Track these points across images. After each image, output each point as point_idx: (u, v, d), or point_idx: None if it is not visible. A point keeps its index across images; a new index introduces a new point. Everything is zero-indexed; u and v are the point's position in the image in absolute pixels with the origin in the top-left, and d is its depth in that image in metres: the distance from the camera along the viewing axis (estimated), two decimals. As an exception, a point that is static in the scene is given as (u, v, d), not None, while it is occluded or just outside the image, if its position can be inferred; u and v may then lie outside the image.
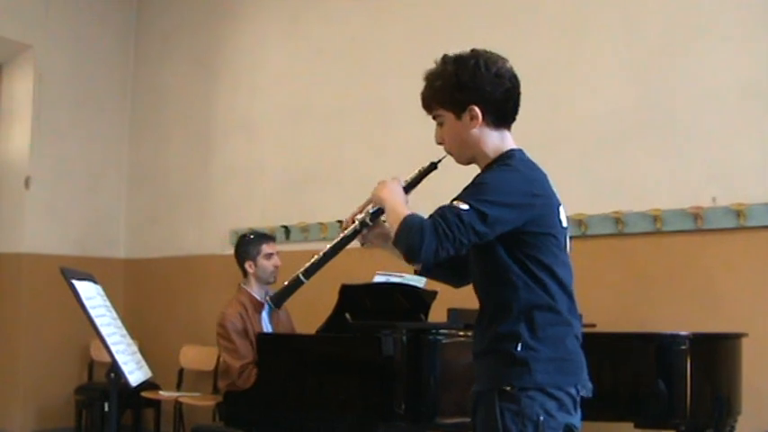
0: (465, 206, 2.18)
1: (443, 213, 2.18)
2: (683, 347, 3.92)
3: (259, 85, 7.09)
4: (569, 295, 2.35)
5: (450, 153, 2.49)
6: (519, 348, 2.24)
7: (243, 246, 4.94)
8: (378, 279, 4.71)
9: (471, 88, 2.37)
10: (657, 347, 4.04)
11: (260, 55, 7.13)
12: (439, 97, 2.43)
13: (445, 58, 2.44)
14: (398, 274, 4.67)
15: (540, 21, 5.46)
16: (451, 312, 4.13)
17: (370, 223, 2.52)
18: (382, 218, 2.51)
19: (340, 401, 3.92)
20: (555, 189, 2.41)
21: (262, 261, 4.81)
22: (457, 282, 2.69)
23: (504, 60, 2.43)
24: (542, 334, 2.26)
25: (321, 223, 6.31)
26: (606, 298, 4.72)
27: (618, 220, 4.97)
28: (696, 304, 4.70)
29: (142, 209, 7.83)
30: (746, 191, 4.64)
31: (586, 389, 2.33)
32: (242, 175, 7.08)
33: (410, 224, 2.20)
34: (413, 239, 2.16)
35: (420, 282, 4.62)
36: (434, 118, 2.48)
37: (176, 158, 7.62)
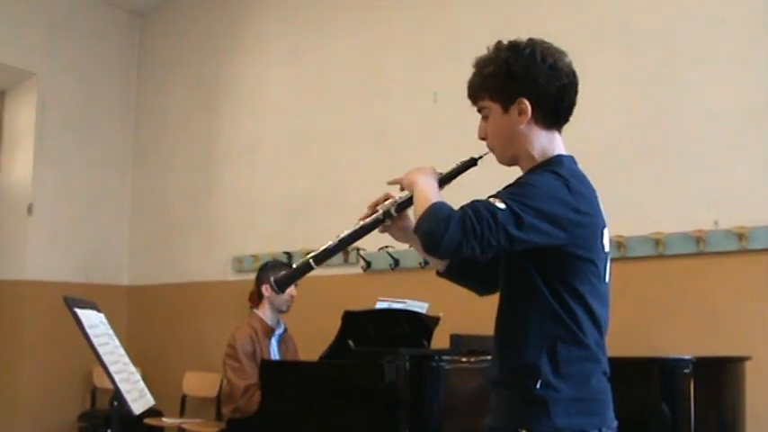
0: (502, 205, 1.96)
1: (476, 207, 1.95)
2: (687, 371, 3.88)
3: (261, 110, 7.12)
4: (600, 329, 2.13)
5: (491, 150, 2.27)
6: (538, 386, 2.04)
7: (265, 269, 5.06)
8: (380, 305, 4.72)
9: (523, 79, 2.17)
10: (660, 371, 4.02)
11: (262, 81, 7.16)
12: (487, 86, 2.22)
13: (499, 44, 2.25)
14: (401, 300, 4.67)
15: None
16: (454, 338, 4.13)
17: (395, 215, 2.32)
18: (410, 210, 2.29)
19: (343, 428, 3.91)
20: (602, 207, 2.24)
21: None
22: (481, 289, 2.44)
23: (564, 54, 2.24)
24: (566, 371, 2.05)
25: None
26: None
27: (620, 244, 4.97)
28: (699, 328, 4.69)
29: (145, 235, 7.85)
30: (748, 214, 4.64)
31: (612, 429, 2.12)
32: (244, 201, 7.09)
33: (436, 211, 1.98)
34: (436, 227, 1.94)
35: (422, 308, 4.63)
36: (479, 110, 2.27)
37: (179, 185, 7.64)
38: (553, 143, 2.23)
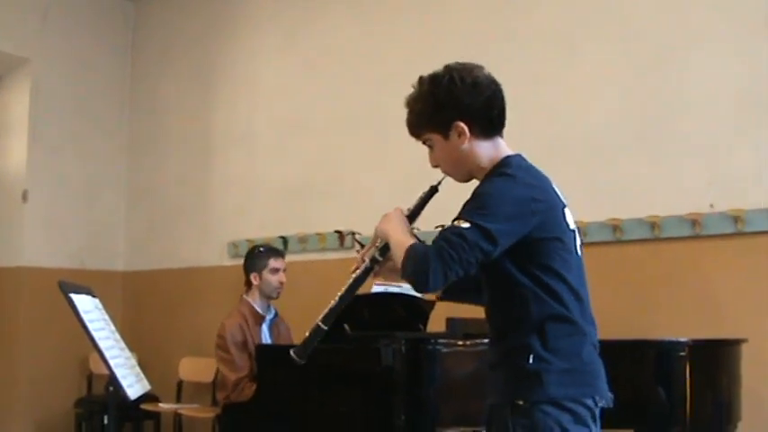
0: (466, 224, 2.10)
1: (446, 236, 2.10)
2: (683, 354, 3.89)
3: (256, 97, 7.09)
4: (581, 300, 2.26)
5: (448, 174, 2.43)
6: (531, 361, 2.17)
7: (251, 257, 5.00)
8: (376, 289, 4.71)
9: (450, 105, 2.32)
10: (657, 354, 4.03)
11: (257, 68, 7.13)
12: (422, 121, 2.40)
13: (421, 79, 2.40)
14: (397, 284, 4.66)
15: (536, 32, 5.47)
16: (450, 322, 4.13)
17: (380, 259, 2.42)
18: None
19: (339, 412, 3.91)
20: (559, 191, 2.35)
21: (267, 275, 4.86)
22: (480, 300, 2.50)
23: (480, 68, 2.37)
24: (555, 345, 2.18)
25: (319, 234, 6.31)
26: (605, 305, 4.68)
27: (616, 227, 4.97)
28: (695, 310, 4.70)
29: (140, 221, 7.83)
30: (744, 196, 4.65)
31: (606, 399, 2.25)
32: (240, 187, 7.08)
33: (414, 253, 2.14)
34: (418, 268, 2.10)
35: (418, 291, 4.61)
36: (424, 143, 2.43)
37: (174, 171, 7.62)
38: (498, 149, 2.37)
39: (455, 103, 2.31)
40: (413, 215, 2.43)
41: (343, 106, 6.44)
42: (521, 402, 2.16)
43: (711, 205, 4.74)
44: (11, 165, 7.35)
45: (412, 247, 2.16)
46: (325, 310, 2.49)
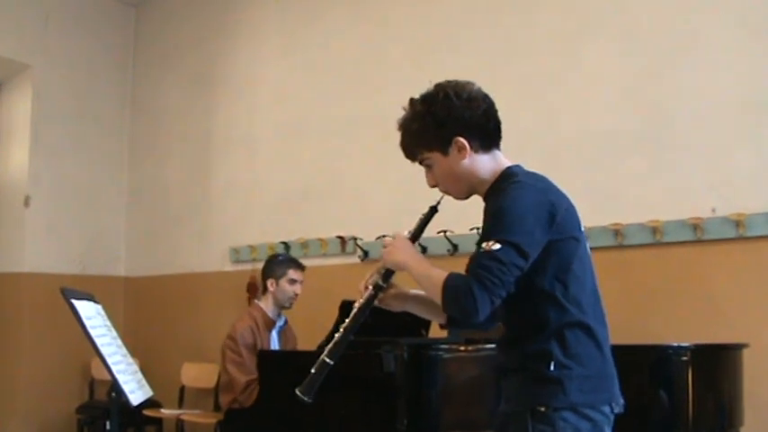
0: (497, 245, 2.10)
1: (481, 263, 2.10)
2: (685, 359, 3.89)
3: (257, 101, 7.10)
4: (597, 299, 2.31)
5: (447, 193, 2.44)
6: (552, 368, 2.17)
7: (271, 263, 5.01)
8: (378, 294, 4.71)
9: (450, 121, 2.32)
10: (658, 359, 4.02)
11: (258, 71, 7.15)
12: (421, 140, 2.38)
13: (412, 101, 2.40)
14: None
15: (538, 35, 5.47)
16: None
17: (384, 285, 2.44)
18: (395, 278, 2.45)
19: (341, 418, 3.90)
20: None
21: (284, 284, 4.88)
22: (486, 325, 2.47)
23: (471, 84, 2.38)
24: (574, 351, 2.19)
25: (320, 239, 6.30)
26: (606, 310, 4.70)
27: (617, 232, 4.96)
28: (697, 315, 4.69)
29: (142, 227, 7.84)
30: (746, 201, 4.63)
31: (619, 405, 2.27)
32: (241, 192, 7.09)
33: (455, 288, 2.11)
34: (465, 303, 2.07)
35: (420, 297, 4.61)
36: (421, 163, 2.43)
37: (175, 176, 7.63)
38: (497, 161, 2.38)
39: (454, 119, 2.31)
40: (414, 237, 2.44)
41: (343, 110, 6.44)
42: (542, 409, 2.16)
43: (713, 210, 4.72)
44: (13, 170, 7.38)
45: (450, 282, 2.13)
46: (331, 344, 2.47)
